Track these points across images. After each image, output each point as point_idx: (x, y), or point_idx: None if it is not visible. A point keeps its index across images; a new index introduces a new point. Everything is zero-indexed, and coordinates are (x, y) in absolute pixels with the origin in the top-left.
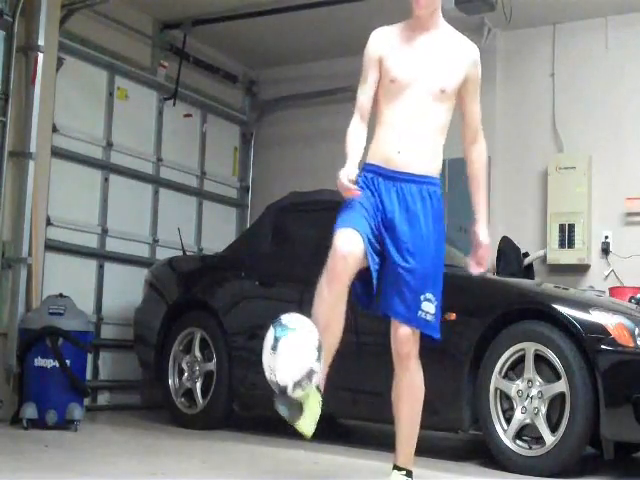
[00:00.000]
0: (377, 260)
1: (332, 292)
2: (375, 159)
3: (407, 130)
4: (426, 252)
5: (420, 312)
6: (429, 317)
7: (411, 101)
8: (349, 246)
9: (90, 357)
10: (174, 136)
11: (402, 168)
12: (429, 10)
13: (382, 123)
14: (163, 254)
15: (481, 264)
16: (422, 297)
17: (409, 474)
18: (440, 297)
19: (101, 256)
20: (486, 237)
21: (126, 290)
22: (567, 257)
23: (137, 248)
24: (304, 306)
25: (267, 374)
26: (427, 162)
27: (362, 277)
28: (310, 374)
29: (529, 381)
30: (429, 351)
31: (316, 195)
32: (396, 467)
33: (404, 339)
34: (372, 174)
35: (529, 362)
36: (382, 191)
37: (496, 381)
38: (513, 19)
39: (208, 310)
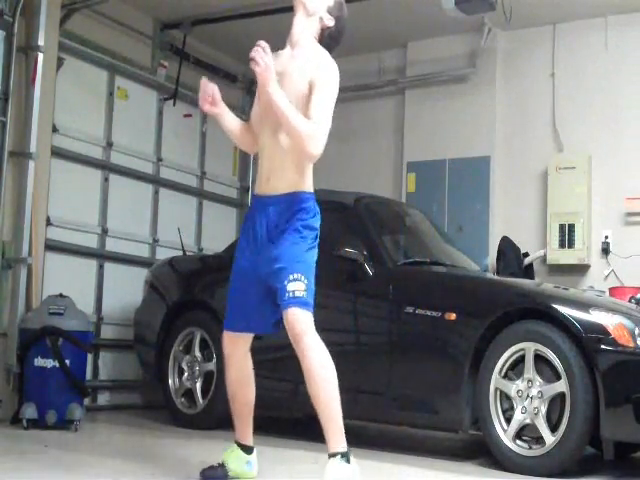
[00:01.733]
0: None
1: (229, 367)
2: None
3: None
4: (280, 244)
5: (288, 294)
6: (298, 293)
7: None
8: (229, 348)
9: (90, 357)
10: (174, 136)
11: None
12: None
13: None
14: (163, 254)
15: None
16: (286, 282)
17: (344, 455)
18: (310, 276)
19: (101, 256)
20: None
21: (126, 290)
22: (567, 257)
23: (137, 248)
24: None
25: None
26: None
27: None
28: None
29: (529, 381)
30: (430, 351)
31: (315, 195)
32: (330, 455)
33: (290, 321)
34: (250, 209)
35: (529, 362)
36: (255, 221)
37: (496, 381)
38: (513, 19)
39: (208, 310)
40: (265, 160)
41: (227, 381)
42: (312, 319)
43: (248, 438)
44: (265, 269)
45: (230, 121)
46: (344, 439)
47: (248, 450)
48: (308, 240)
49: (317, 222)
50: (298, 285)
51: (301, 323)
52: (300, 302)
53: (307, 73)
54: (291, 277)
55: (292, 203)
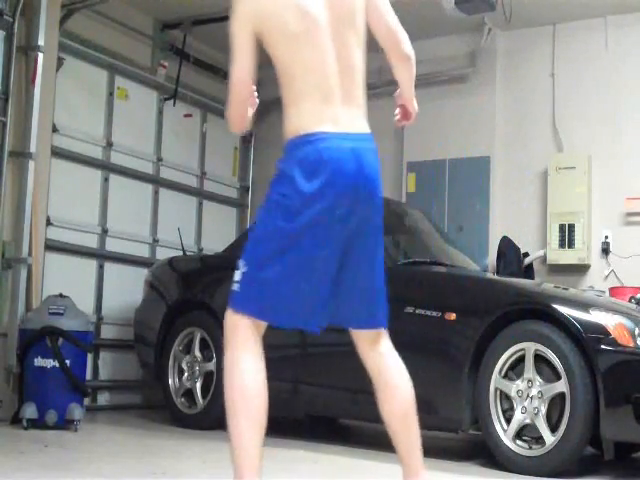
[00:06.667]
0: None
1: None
2: None
3: None
4: None
5: None
6: (234, 287)
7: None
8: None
9: (90, 357)
10: (174, 136)
11: None
12: None
13: None
14: (163, 254)
15: (408, 117)
16: None
17: None
18: (250, 258)
19: (101, 256)
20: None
21: (126, 290)
22: (567, 257)
23: (137, 248)
24: None
25: None
26: None
27: None
28: None
29: (529, 381)
30: (430, 351)
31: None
32: None
33: None
34: None
35: (529, 362)
36: None
37: (496, 381)
38: (513, 19)
39: (208, 310)
40: None
41: None
42: (240, 322)
43: None
44: None
45: None
46: (237, 473)
47: None
48: (267, 203)
49: (279, 177)
50: (235, 275)
51: (225, 329)
52: (229, 300)
53: None
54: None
55: None
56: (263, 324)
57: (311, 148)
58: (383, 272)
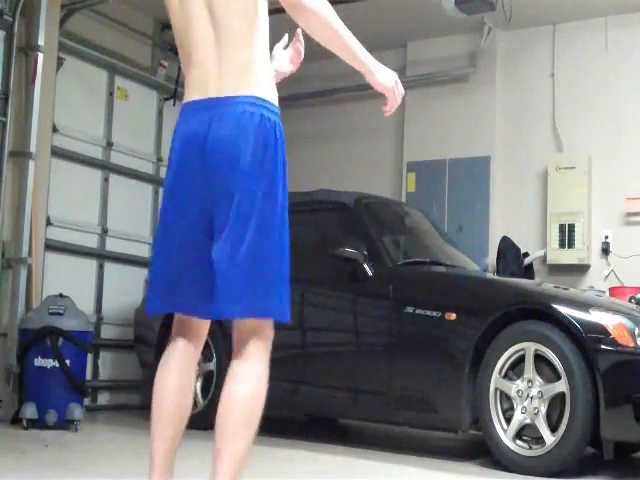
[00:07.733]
0: None
1: None
2: None
3: None
4: None
5: None
6: None
7: None
8: None
9: (90, 357)
10: None
11: None
12: None
13: None
14: None
15: (393, 103)
16: None
17: None
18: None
19: (101, 256)
20: (382, 74)
21: (126, 290)
22: (567, 257)
23: (137, 248)
24: (304, 306)
25: None
26: None
27: None
28: None
29: (529, 381)
30: (430, 351)
31: (315, 195)
32: None
33: None
34: None
35: (529, 362)
36: None
37: (496, 381)
38: (513, 19)
39: None
40: None
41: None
42: (174, 322)
43: None
44: None
45: None
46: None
47: None
48: None
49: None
50: None
51: None
52: None
53: None
54: None
55: None
56: (186, 318)
57: (177, 121)
58: (251, 258)
